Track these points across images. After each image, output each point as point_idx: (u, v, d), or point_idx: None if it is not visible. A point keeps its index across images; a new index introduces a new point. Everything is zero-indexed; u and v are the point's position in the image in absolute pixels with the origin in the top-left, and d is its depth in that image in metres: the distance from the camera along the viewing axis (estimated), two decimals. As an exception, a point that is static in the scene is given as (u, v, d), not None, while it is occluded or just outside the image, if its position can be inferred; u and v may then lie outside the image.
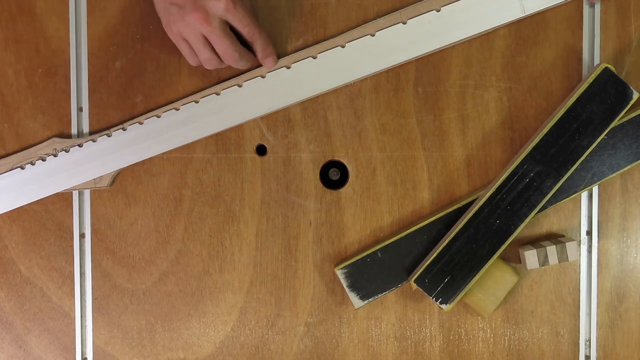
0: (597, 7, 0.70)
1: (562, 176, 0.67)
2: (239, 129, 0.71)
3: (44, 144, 0.71)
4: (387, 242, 0.70)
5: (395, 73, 0.71)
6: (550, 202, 0.69)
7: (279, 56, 0.70)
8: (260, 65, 0.70)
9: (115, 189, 0.72)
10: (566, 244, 0.67)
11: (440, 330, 0.72)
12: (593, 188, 0.71)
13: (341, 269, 0.70)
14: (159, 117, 0.70)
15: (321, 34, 0.71)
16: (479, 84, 0.71)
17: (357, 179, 0.71)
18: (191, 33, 0.65)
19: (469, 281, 0.67)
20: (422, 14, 0.69)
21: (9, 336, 0.72)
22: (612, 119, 0.67)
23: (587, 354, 0.72)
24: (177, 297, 0.72)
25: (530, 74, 0.71)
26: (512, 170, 0.68)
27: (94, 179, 0.71)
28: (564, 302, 0.72)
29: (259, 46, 0.68)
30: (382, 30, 0.69)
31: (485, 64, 0.71)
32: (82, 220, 0.72)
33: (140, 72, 0.71)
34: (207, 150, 0.71)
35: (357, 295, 0.70)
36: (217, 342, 0.72)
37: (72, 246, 0.72)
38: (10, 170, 0.71)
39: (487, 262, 0.67)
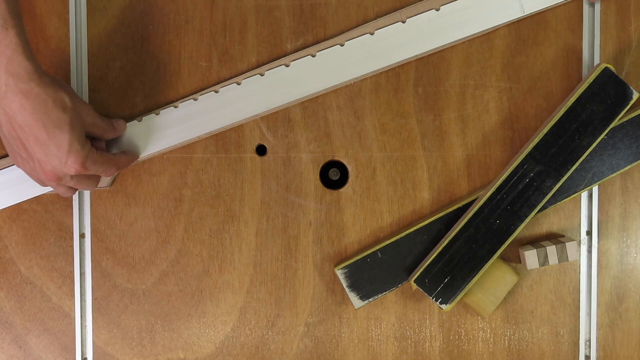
0: (597, 7, 0.70)
1: (562, 176, 0.67)
2: (239, 129, 0.71)
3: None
4: (387, 242, 0.70)
5: (395, 73, 0.71)
6: (550, 202, 0.69)
7: (279, 57, 0.71)
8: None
9: (115, 189, 0.72)
10: (566, 244, 0.67)
11: (440, 330, 0.72)
12: (593, 188, 0.71)
13: (341, 269, 0.70)
14: (157, 114, 0.70)
15: (321, 34, 0.71)
16: (479, 84, 0.71)
17: (357, 179, 0.71)
18: (45, 182, 0.62)
19: (469, 281, 0.67)
20: (421, 13, 0.69)
21: (9, 336, 0.72)
22: (612, 119, 0.67)
23: (587, 354, 0.72)
24: (177, 297, 0.72)
25: (530, 74, 0.71)
26: (512, 170, 0.68)
27: (94, 179, 0.71)
28: (564, 302, 0.71)
29: (122, 168, 0.67)
30: (381, 29, 0.70)
31: (485, 64, 0.71)
32: (82, 220, 0.72)
33: (140, 72, 0.71)
34: (207, 150, 0.71)
35: (357, 295, 0.70)
36: (217, 342, 0.72)
37: (72, 246, 0.72)
38: (6, 167, 0.70)
39: (487, 262, 0.67)
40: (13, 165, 0.70)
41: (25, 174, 0.64)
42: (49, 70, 0.71)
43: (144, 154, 0.71)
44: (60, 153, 0.59)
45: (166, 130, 0.70)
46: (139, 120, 0.70)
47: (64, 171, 0.60)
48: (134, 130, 0.70)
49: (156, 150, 0.71)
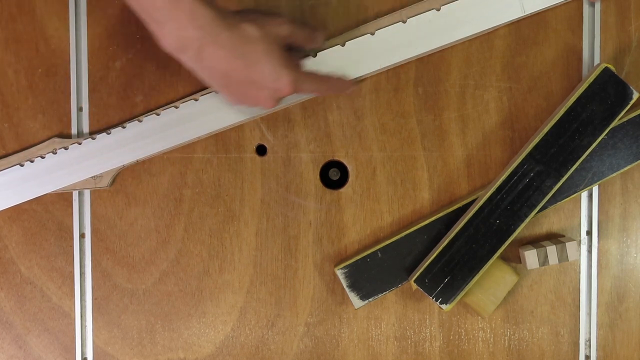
0: (597, 7, 0.70)
1: (562, 176, 0.67)
2: (239, 129, 0.71)
3: (44, 144, 0.71)
4: (387, 242, 0.70)
5: (395, 73, 0.71)
6: (550, 202, 0.69)
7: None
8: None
9: (115, 189, 0.72)
10: (566, 244, 0.67)
11: (440, 330, 0.72)
12: (593, 188, 0.71)
13: (341, 269, 0.70)
14: (158, 115, 0.70)
15: (321, 34, 0.71)
16: (479, 84, 0.71)
17: (357, 179, 0.71)
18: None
19: (469, 281, 0.67)
20: (421, 13, 0.69)
21: (9, 336, 0.72)
22: (612, 119, 0.67)
23: (587, 354, 0.72)
24: (177, 297, 0.72)
25: (530, 74, 0.71)
26: (512, 170, 0.68)
27: (94, 179, 0.71)
28: (564, 302, 0.71)
29: (336, 91, 0.68)
30: (381, 29, 0.69)
31: (485, 64, 0.71)
32: (82, 220, 0.72)
33: (140, 72, 0.71)
34: (207, 150, 0.71)
35: (357, 295, 0.70)
36: (217, 342, 0.72)
37: (72, 246, 0.72)
38: (9, 168, 0.71)
39: (487, 262, 0.67)
40: (15, 165, 0.70)
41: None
42: (50, 71, 0.71)
43: (145, 155, 0.70)
44: (269, 82, 0.60)
45: (167, 131, 0.70)
46: (140, 121, 0.70)
47: (279, 95, 0.62)
48: (133, 131, 0.70)
49: (156, 151, 0.71)
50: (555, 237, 0.71)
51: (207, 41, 0.57)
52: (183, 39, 0.57)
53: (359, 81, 0.70)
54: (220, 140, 0.71)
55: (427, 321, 0.72)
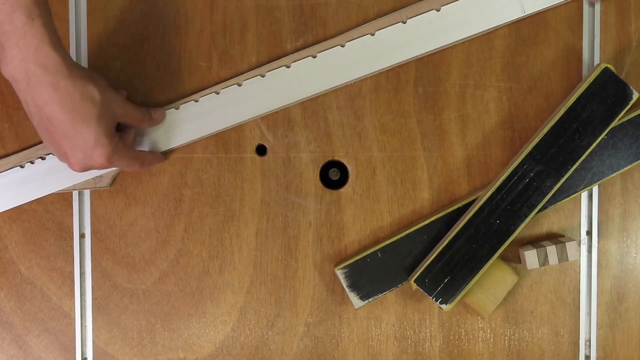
0: (597, 7, 0.70)
1: (562, 176, 0.67)
2: (239, 129, 0.71)
3: (44, 144, 0.71)
4: (387, 242, 0.70)
5: (395, 73, 0.71)
6: (550, 202, 0.69)
7: (279, 56, 0.71)
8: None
9: (115, 189, 0.72)
10: (566, 244, 0.67)
11: (440, 330, 0.72)
12: (593, 188, 0.71)
13: (341, 269, 0.70)
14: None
15: (321, 34, 0.71)
16: (479, 84, 0.71)
17: (357, 179, 0.71)
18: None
19: (469, 281, 0.67)
20: (422, 14, 0.69)
21: (9, 336, 0.72)
22: (612, 119, 0.67)
23: (587, 354, 0.72)
24: (177, 297, 0.72)
25: (530, 74, 0.71)
26: (512, 170, 0.68)
27: (94, 179, 0.71)
28: (564, 302, 0.72)
29: (147, 165, 0.68)
30: (382, 30, 0.70)
31: (485, 64, 0.71)
32: (82, 220, 0.72)
33: (140, 72, 0.71)
34: (207, 150, 0.71)
35: (357, 295, 0.70)
36: (217, 342, 0.72)
37: (72, 246, 0.72)
38: (9, 169, 0.71)
39: (487, 262, 0.67)
40: (15, 167, 0.70)
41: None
42: (49, 70, 0.71)
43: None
44: (86, 147, 0.59)
45: (167, 132, 0.70)
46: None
47: (89, 164, 0.60)
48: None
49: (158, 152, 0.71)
50: (555, 237, 0.71)
51: (44, 81, 0.56)
52: (21, 69, 0.55)
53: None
54: (220, 140, 0.71)
55: (427, 321, 0.72)
